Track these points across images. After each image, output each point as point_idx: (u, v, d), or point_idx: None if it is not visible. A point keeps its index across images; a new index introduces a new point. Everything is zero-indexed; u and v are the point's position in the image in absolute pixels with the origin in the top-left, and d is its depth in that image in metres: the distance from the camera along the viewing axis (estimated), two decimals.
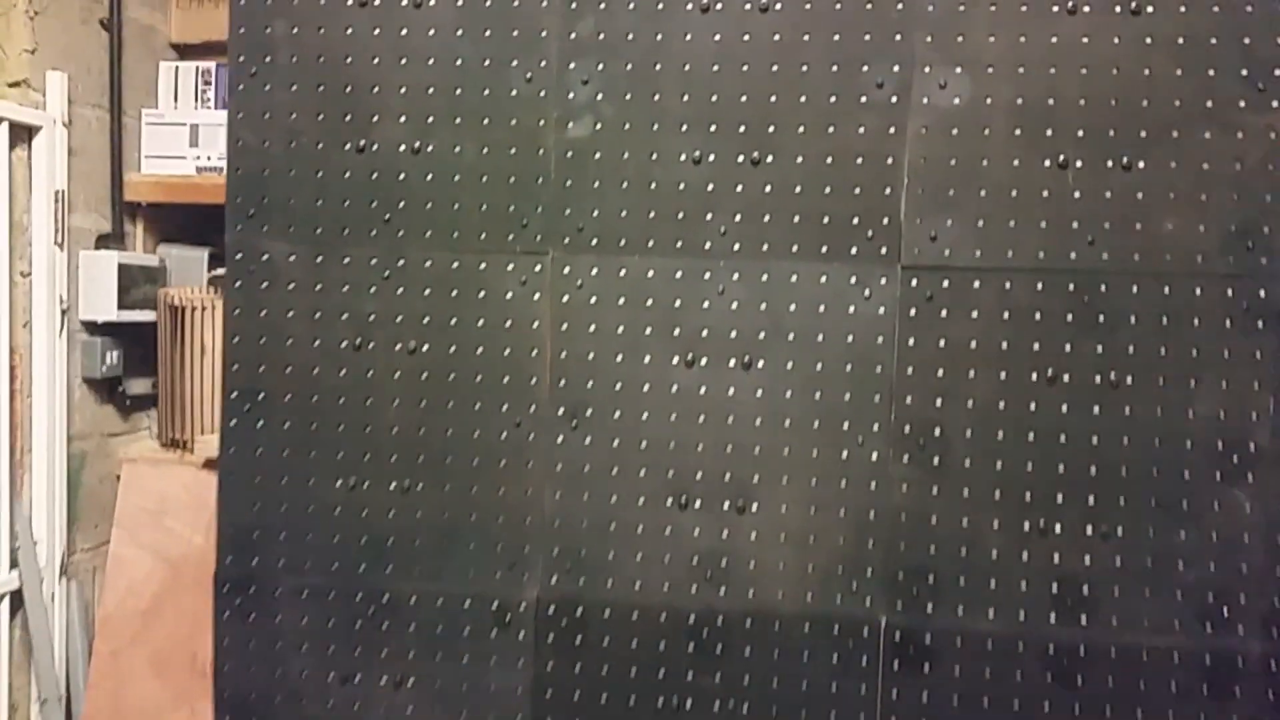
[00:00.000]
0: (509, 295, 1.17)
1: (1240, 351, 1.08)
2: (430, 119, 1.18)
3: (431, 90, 1.18)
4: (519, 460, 1.18)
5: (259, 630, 1.22)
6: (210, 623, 1.62)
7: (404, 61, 1.18)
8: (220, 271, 1.95)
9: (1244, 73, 1.07)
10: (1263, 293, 1.07)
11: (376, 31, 1.18)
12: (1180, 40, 1.07)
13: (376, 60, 1.18)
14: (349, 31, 1.19)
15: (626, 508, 1.16)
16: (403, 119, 1.18)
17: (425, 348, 1.19)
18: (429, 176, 1.18)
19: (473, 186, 1.17)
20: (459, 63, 1.17)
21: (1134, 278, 1.09)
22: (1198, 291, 1.08)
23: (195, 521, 1.83)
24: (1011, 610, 1.12)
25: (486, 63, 1.17)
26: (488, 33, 1.17)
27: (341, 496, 1.20)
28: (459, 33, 1.17)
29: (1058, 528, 1.11)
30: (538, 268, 1.17)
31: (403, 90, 1.18)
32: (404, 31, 1.18)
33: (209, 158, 2.13)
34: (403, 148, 1.18)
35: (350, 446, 1.20)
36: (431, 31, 1.18)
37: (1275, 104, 1.06)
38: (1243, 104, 1.07)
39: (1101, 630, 1.10)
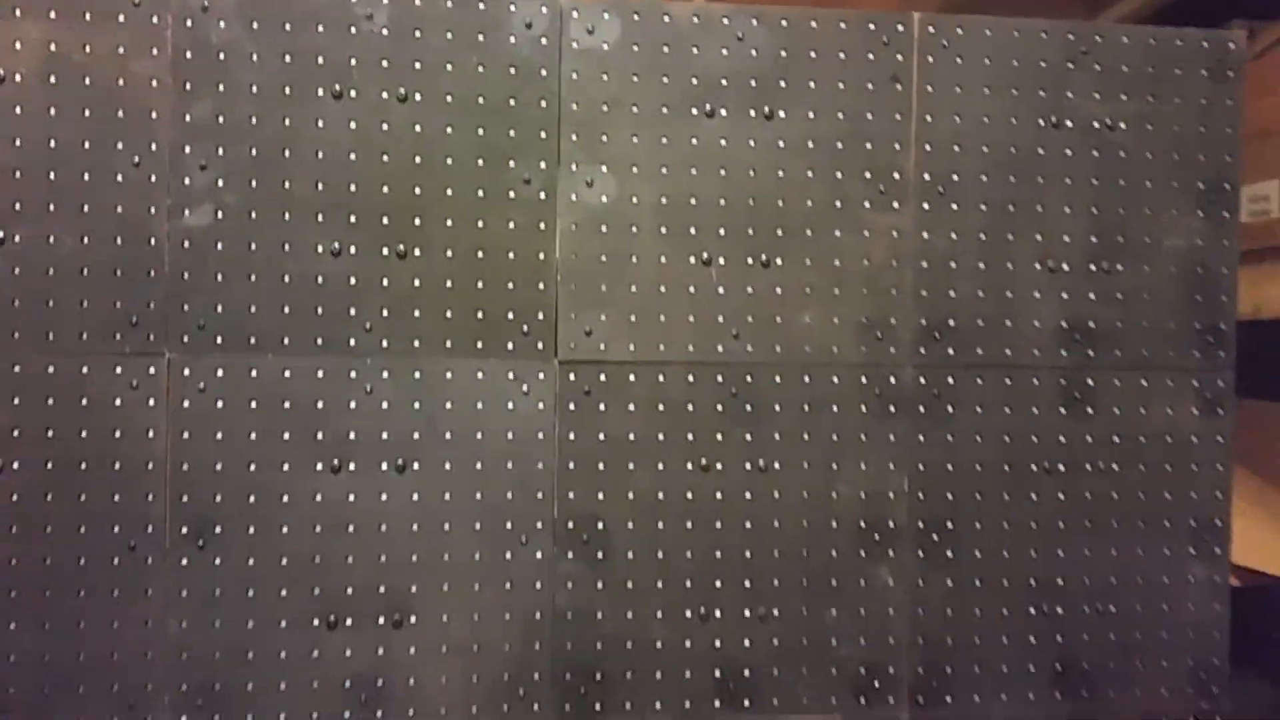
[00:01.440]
0: (118, 402, 0.93)
1: (876, 435, 1.02)
2: (18, 205, 0.92)
3: (18, 174, 0.92)
4: (136, 589, 0.93)
5: None
6: None
7: None
8: None
9: (867, 175, 1.01)
10: (892, 379, 1.02)
11: None
12: (810, 144, 1.00)
13: None
14: None
15: (266, 633, 0.94)
16: None
17: (15, 465, 0.92)
18: (16, 270, 0.92)
19: (71, 281, 0.92)
20: (52, 144, 0.92)
21: (776, 368, 1.01)
22: (835, 380, 1.01)
23: None
24: (679, 700, 1.00)
25: (85, 145, 0.93)
26: (87, 113, 0.93)
27: None
28: (51, 112, 0.92)
29: (718, 613, 1.00)
30: (151, 370, 0.93)
31: None
32: None
33: None
34: None
35: None
36: (17, 109, 0.92)
37: (895, 205, 1.01)
38: (867, 204, 1.01)
39: (764, 713, 1.01)
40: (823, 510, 1.01)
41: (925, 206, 1.02)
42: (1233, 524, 1.08)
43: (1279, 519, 1.72)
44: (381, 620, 0.95)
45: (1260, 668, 1.81)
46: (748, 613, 1.00)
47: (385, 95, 0.95)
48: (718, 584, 1.00)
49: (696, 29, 0.98)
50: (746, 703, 1.00)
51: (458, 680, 0.96)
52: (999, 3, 1.59)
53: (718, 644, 1.00)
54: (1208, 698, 1.07)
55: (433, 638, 0.96)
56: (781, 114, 1.00)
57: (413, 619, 0.95)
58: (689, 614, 0.99)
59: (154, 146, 0.92)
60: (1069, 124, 1.04)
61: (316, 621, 0.94)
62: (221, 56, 0.93)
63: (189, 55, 0.93)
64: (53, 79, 0.91)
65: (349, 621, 0.94)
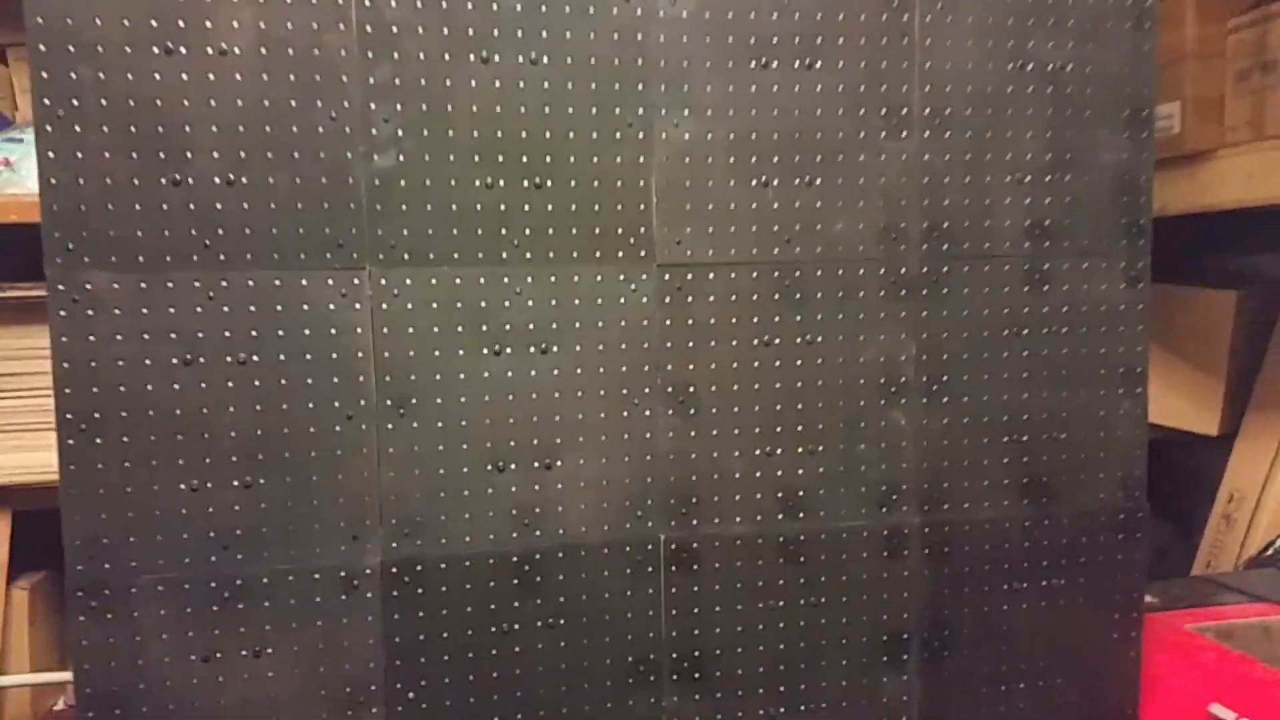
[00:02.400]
0: (331, 307, 1.21)
1: (891, 312, 1.35)
2: (243, 154, 1.18)
3: (242, 128, 1.18)
4: (354, 449, 1.23)
5: (117, 627, 1.18)
6: None
7: (213, 103, 1.17)
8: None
9: (882, 112, 1.33)
10: (903, 269, 1.35)
11: (184, 76, 1.16)
12: (839, 88, 1.31)
13: (186, 102, 1.16)
14: (156, 77, 1.15)
15: (452, 477, 1.25)
16: (215, 154, 1.17)
17: (255, 358, 1.20)
18: (245, 205, 1.19)
19: (289, 214, 1.19)
20: (266, 104, 1.18)
21: (817, 265, 1.33)
22: (860, 272, 1.34)
23: None
24: (751, 516, 1.34)
25: (293, 104, 1.19)
26: (291, 78, 1.19)
27: (186, 498, 1.19)
28: (264, 77, 1.18)
29: (779, 451, 1.34)
30: (355, 281, 1.21)
31: (213, 129, 1.17)
32: (211, 76, 1.17)
33: None
34: (217, 180, 1.18)
35: (190, 453, 1.19)
36: (238, 76, 1.17)
37: (903, 134, 1.33)
38: (883, 135, 1.33)
39: (814, 521, 1.36)
40: (853, 371, 1.35)
41: (925, 135, 1.34)
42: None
43: (1171, 379, 2.13)
44: (536, 464, 1.26)
45: (1157, 508, 2.25)
46: (800, 449, 1.34)
47: (520, 59, 1.22)
48: (778, 429, 1.33)
49: (756, 2, 1.27)
50: (801, 515, 1.35)
51: (593, 508, 1.29)
52: None
53: (779, 473, 1.34)
54: (1133, 500, 1.45)
55: (573, 477, 1.28)
56: (818, 64, 1.30)
57: (559, 463, 1.27)
58: (758, 452, 1.33)
59: (346, 104, 1.19)
60: (1029, 67, 1.36)
61: (489, 467, 1.25)
62: (394, 30, 1.19)
63: (369, 29, 1.19)
64: (263, 50, 1.17)
65: (513, 466, 1.26)
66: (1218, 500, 2.11)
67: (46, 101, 1.13)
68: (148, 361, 1.17)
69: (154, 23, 1.15)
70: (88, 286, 1.15)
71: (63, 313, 1.15)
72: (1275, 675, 1.40)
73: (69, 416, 1.16)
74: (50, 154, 1.14)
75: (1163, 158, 1.82)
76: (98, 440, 1.16)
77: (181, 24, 1.15)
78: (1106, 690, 1.46)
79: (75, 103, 1.13)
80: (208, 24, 1.16)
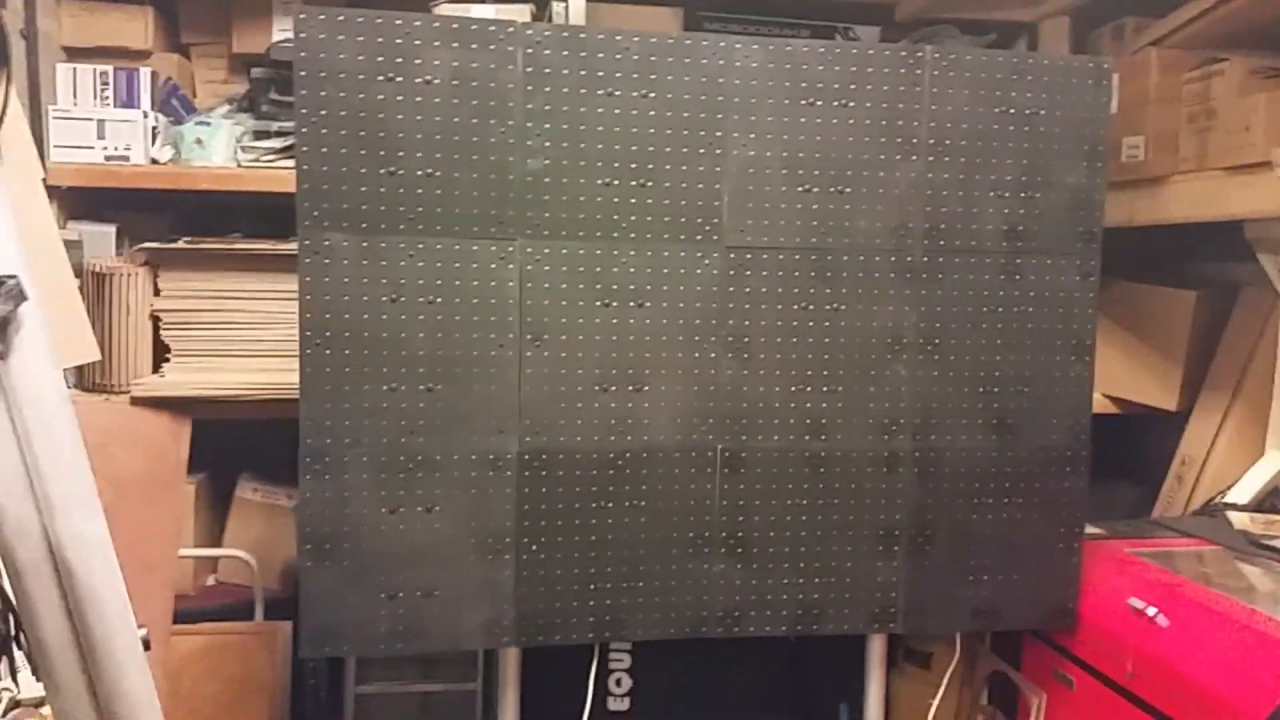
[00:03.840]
0: (492, 266, 1.69)
1: (898, 293, 1.82)
2: (437, 155, 1.67)
3: (438, 137, 1.67)
4: (503, 369, 1.72)
5: (331, 484, 1.68)
6: (153, 527, 2.03)
7: (418, 118, 1.66)
8: (149, 245, 2.28)
9: (898, 140, 1.79)
10: (909, 259, 1.82)
11: (399, 98, 1.64)
12: (867, 122, 1.78)
13: (399, 116, 1.65)
14: (380, 98, 1.64)
15: (569, 394, 1.73)
16: (419, 155, 1.66)
17: (439, 299, 1.69)
18: (438, 192, 1.67)
19: (467, 199, 1.68)
20: (455, 120, 1.67)
21: (844, 253, 1.79)
22: (876, 259, 1.81)
23: (134, 449, 2.18)
24: (785, 435, 1.81)
25: (474, 121, 1.67)
26: (474, 102, 1.67)
27: (386, 396, 1.68)
28: (455, 101, 1.66)
29: (808, 389, 1.81)
30: (510, 248, 1.70)
31: (418, 136, 1.66)
32: (418, 99, 1.65)
33: (115, 148, 2.41)
34: (419, 173, 1.67)
35: (390, 365, 1.68)
36: (436, 99, 1.66)
37: (914, 158, 1.79)
38: (898, 157, 1.79)
39: (832, 442, 1.83)
40: (867, 332, 1.81)
41: (930, 159, 1.80)
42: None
43: (1138, 363, 2.56)
44: (630, 388, 1.74)
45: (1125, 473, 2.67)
46: (825, 388, 1.81)
47: (635, 94, 1.70)
48: (809, 372, 1.80)
49: (808, 54, 1.74)
50: (822, 436, 1.81)
51: (668, 421, 1.76)
52: None
53: (808, 405, 1.80)
54: (1079, 441, 1.90)
55: (656, 399, 1.75)
56: (851, 104, 1.77)
57: (646, 388, 1.75)
58: (793, 388, 1.79)
59: (510, 122, 1.67)
60: (1011, 111, 1.81)
61: (596, 388, 1.73)
62: (547, 71, 1.67)
63: (529, 70, 1.67)
64: (454, 82, 1.65)
65: (613, 388, 1.74)
66: (1172, 464, 2.55)
67: (304, 111, 1.62)
68: (365, 298, 1.66)
69: (380, 58, 1.63)
70: (326, 243, 1.65)
71: (308, 260, 1.65)
72: (1179, 580, 1.85)
73: (309, 334, 1.65)
74: (305, 149, 1.63)
75: (1131, 179, 2.27)
76: (327, 352, 1.66)
77: (398, 60, 1.64)
78: (1052, 586, 1.92)
79: (323, 113, 1.63)
80: (417, 61, 1.64)
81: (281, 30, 2.45)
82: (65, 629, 0.80)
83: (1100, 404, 2.46)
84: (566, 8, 2.32)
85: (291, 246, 2.36)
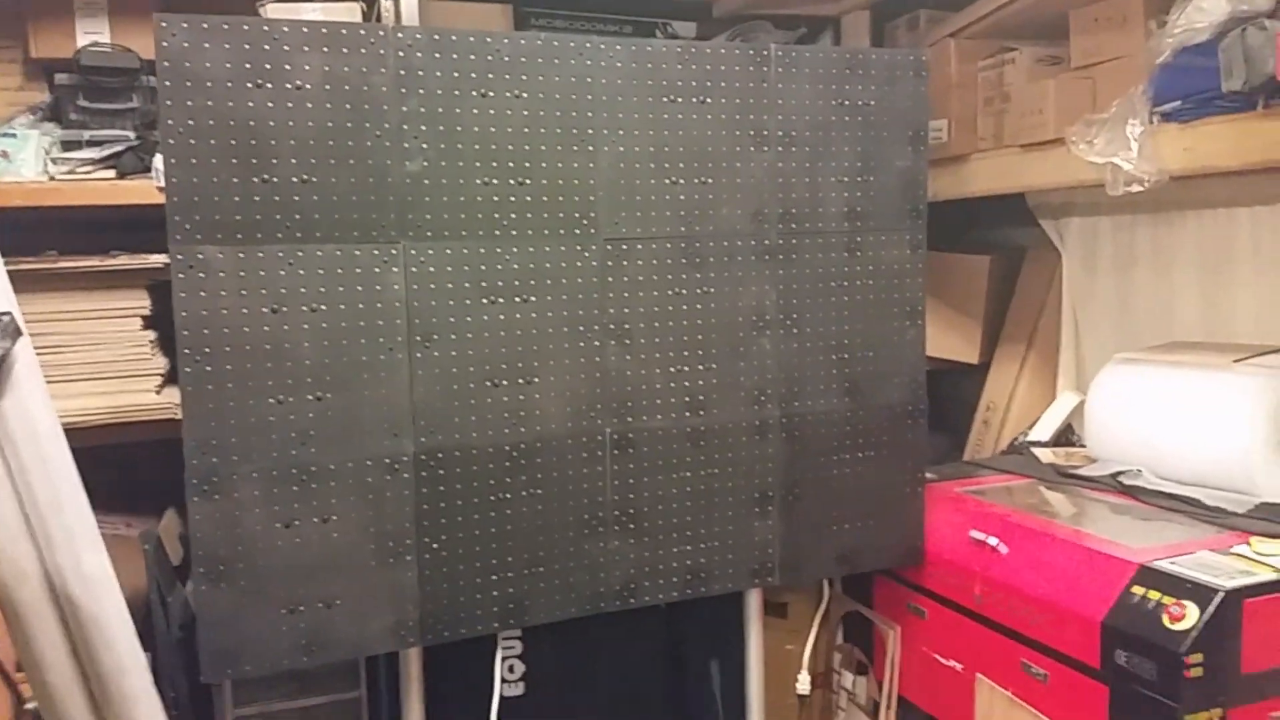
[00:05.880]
0: (376, 270, 1.69)
1: (757, 270, 1.96)
2: (313, 160, 1.64)
3: (312, 142, 1.64)
4: (393, 371, 1.72)
5: (221, 504, 1.62)
6: None
7: (291, 123, 1.62)
8: None
9: (751, 133, 1.92)
10: (766, 241, 1.96)
11: (270, 104, 1.60)
12: (723, 117, 1.90)
13: (271, 123, 1.61)
14: (250, 105, 1.59)
15: (462, 391, 1.75)
16: (293, 160, 1.63)
17: (323, 306, 1.67)
18: (315, 197, 1.65)
19: (346, 203, 1.66)
20: (329, 125, 1.65)
21: (710, 239, 1.90)
22: (739, 244, 1.94)
23: None
24: (667, 414, 1.91)
25: (348, 125, 1.65)
26: (348, 106, 1.65)
27: (273, 409, 1.64)
28: (328, 105, 1.64)
29: (685, 369, 1.92)
30: (394, 251, 1.70)
31: (291, 142, 1.63)
32: (289, 104, 1.62)
33: None
34: (294, 179, 1.63)
35: (276, 376, 1.64)
36: (309, 104, 1.63)
37: (765, 149, 1.93)
38: (752, 149, 1.92)
39: (709, 416, 1.95)
40: (733, 312, 1.94)
41: (780, 150, 1.94)
42: None
43: (943, 322, 2.84)
44: (520, 380, 1.79)
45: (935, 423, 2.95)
46: (700, 366, 1.93)
47: (508, 94, 1.74)
48: (685, 353, 1.91)
49: (667, 54, 1.84)
50: (700, 412, 1.93)
51: (560, 409, 1.83)
52: None
53: (686, 384, 1.92)
54: (917, 397, 2.12)
55: (546, 389, 1.81)
56: (708, 100, 1.88)
57: (536, 379, 1.81)
58: (672, 369, 1.90)
59: (386, 125, 1.67)
60: (846, 104, 1.99)
61: (488, 383, 1.77)
62: (420, 73, 1.68)
63: (402, 73, 1.67)
64: (326, 86, 1.63)
65: (504, 382, 1.78)
66: (978, 410, 2.87)
67: (170, 121, 1.56)
68: (244, 310, 1.62)
69: (248, 65, 1.59)
70: (200, 256, 1.59)
71: (181, 275, 1.59)
72: (1010, 510, 2.11)
73: (187, 351, 1.60)
74: (173, 160, 1.57)
75: (936, 159, 2.52)
76: (208, 369, 1.61)
77: (268, 66, 1.60)
78: (903, 529, 2.14)
79: (191, 122, 1.57)
80: (287, 66, 1.61)
81: (88, 33, 2.29)
82: (70, 668, 0.78)
83: None
84: (397, 6, 2.30)
85: (116, 263, 2.25)
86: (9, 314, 0.74)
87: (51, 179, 2.21)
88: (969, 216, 2.91)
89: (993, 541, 1.98)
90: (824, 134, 1.96)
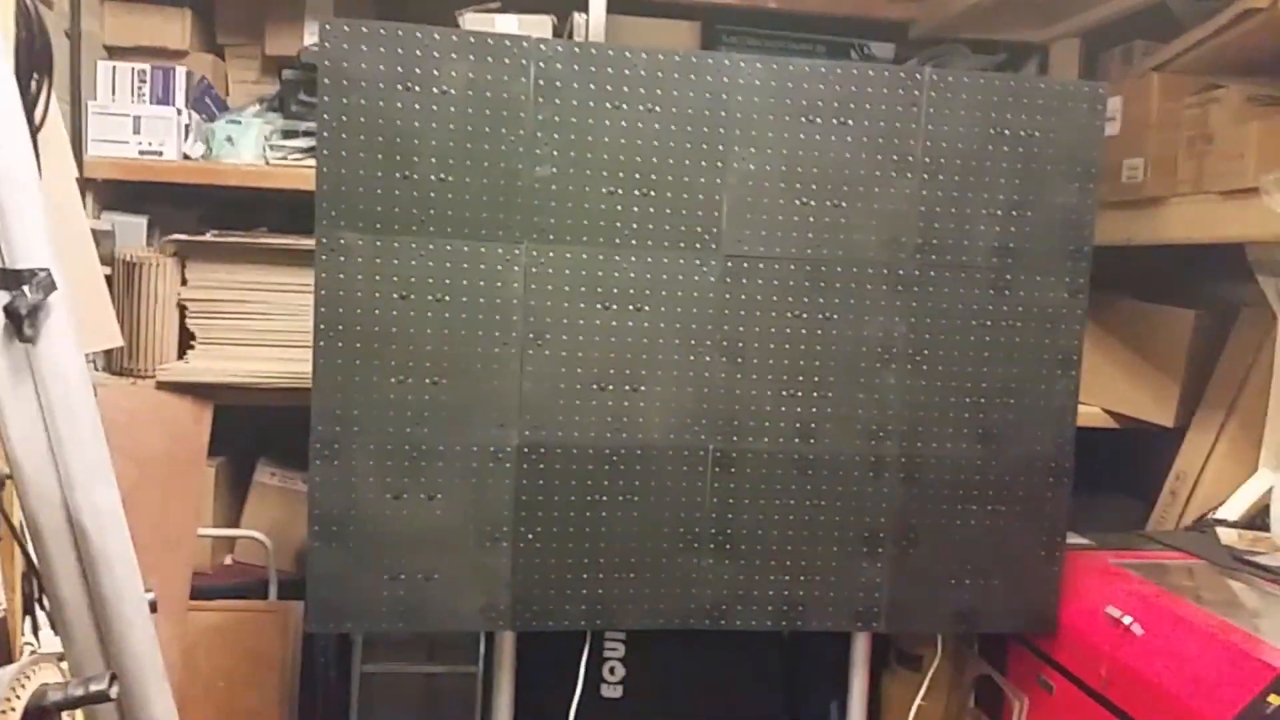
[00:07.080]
0: (499, 267, 1.78)
1: (889, 302, 1.89)
2: (450, 161, 1.76)
3: (451, 143, 1.75)
4: (506, 365, 1.80)
5: (339, 469, 1.77)
6: (174, 506, 2.12)
7: (434, 125, 1.75)
8: (178, 236, 2.38)
9: (894, 158, 1.85)
10: (900, 271, 1.88)
11: (416, 106, 1.73)
12: (864, 139, 1.85)
13: (416, 123, 1.74)
14: (398, 106, 1.73)
15: (568, 391, 1.81)
16: (433, 160, 1.75)
17: (447, 297, 1.78)
18: (449, 195, 1.76)
19: (477, 203, 1.76)
20: (469, 128, 1.76)
21: (838, 264, 1.86)
22: (870, 271, 1.88)
23: (158, 431, 2.28)
24: (775, 438, 1.88)
25: (486, 129, 1.76)
26: (487, 111, 1.76)
27: (394, 388, 1.77)
28: (469, 110, 1.75)
29: (799, 393, 1.88)
30: (516, 251, 1.79)
31: (433, 142, 1.75)
32: (434, 107, 1.74)
33: (149, 144, 2.52)
34: (432, 177, 1.76)
35: (399, 359, 1.77)
36: (451, 108, 1.75)
37: (909, 175, 1.86)
38: (894, 174, 1.86)
39: (821, 445, 1.90)
40: (858, 341, 1.87)
41: (924, 176, 1.86)
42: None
43: (1137, 379, 2.60)
44: (627, 387, 1.82)
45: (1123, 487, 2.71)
46: (815, 394, 1.88)
47: (641, 107, 1.78)
48: (800, 377, 1.87)
49: (810, 73, 1.81)
50: (811, 440, 1.88)
51: (664, 419, 1.84)
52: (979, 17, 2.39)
53: (798, 409, 1.87)
54: (1062, 452, 1.96)
55: (652, 398, 1.83)
56: (850, 121, 1.83)
57: (642, 387, 1.83)
58: (784, 393, 1.87)
59: (521, 131, 1.75)
60: (1006, 132, 1.87)
61: (595, 385, 1.82)
62: (557, 84, 1.76)
63: (540, 82, 1.75)
64: (469, 92, 1.74)
65: (610, 386, 1.82)
66: (1167, 479, 2.59)
67: (326, 116, 1.72)
68: (376, 295, 1.75)
69: (400, 68, 1.73)
70: (342, 241, 1.74)
71: (324, 258, 1.74)
72: (1158, 591, 1.90)
73: (322, 327, 1.75)
74: (325, 152, 1.72)
75: (1130, 200, 2.31)
76: (339, 345, 1.75)
77: (418, 70, 1.73)
78: (1032, 592, 1.98)
79: (344, 119, 1.72)
80: (435, 72, 1.73)
81: (312, 35, 2.55)
82: (80, 588, 0.89)
83: (1099, 419, 2.51)
84: (587, 21, 2.40)
85: (312, 242, 2.47)
86: (47, 270, 0.85)
87: (267, 163, 2.47)
88: (1179, 265, 2.64)
89: (1127, 620, 1.80)
90: (977, 163, 1.86)
